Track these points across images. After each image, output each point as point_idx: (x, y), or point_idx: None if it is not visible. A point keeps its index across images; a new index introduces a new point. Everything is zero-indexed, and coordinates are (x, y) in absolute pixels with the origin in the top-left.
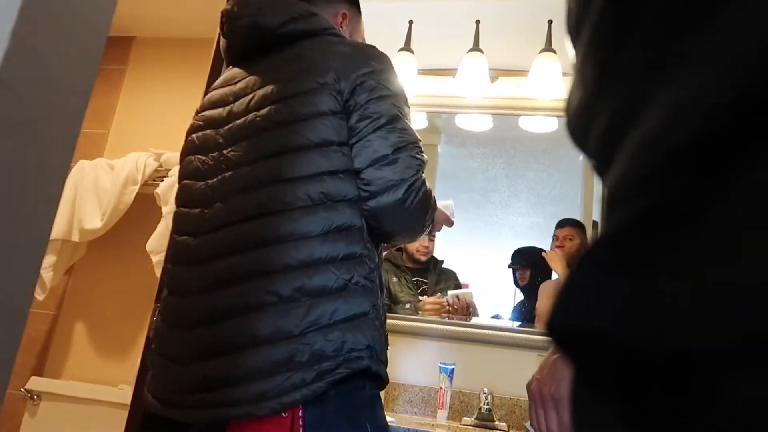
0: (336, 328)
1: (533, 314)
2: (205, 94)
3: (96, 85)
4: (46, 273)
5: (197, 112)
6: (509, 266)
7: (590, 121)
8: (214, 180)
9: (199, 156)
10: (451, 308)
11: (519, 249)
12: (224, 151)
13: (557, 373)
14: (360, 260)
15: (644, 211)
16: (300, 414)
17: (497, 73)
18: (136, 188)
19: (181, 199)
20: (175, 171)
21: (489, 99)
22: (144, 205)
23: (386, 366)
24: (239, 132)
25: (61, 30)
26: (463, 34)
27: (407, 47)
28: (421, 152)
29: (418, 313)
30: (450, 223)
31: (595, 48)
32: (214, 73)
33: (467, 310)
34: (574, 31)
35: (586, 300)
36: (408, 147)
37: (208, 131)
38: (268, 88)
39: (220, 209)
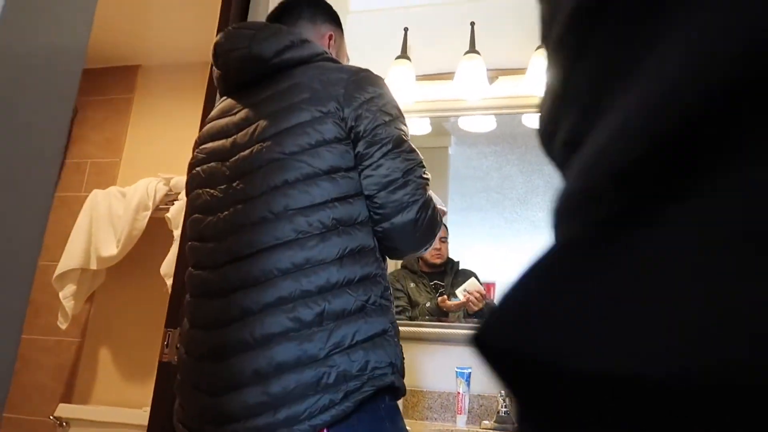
0: (359, 348)
1: None
2: (202, 120)
3: (106, 115)
4: (68, 302)
5: (197, 144)
6: None
7: (556, 129)
8: (226, 213)
9: (207, 189)
10: (470, 304)
11: None
12: (233, 184)
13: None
14: (375, 280)
15: (586, 227)
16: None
17: (496, 73)
18: (148, 213)
19: (193, 233)
20: (184, 194)
21: (489, 99)
22: (156, 230)
23: (404, 377)
24: (245, 164)
25: (34, 65)
26: (459, 38)
27: (404, 55)
28: (426, 170)
29: (437, 312)
30: (442, 212)
31: (559, 56)
32: (210, 96)
33: (483, 297)
34: (545, 39)
35: (509, 317)
36: (415, 168)
37: (213, 164)
38: (271, 119)
39: (235, 242)
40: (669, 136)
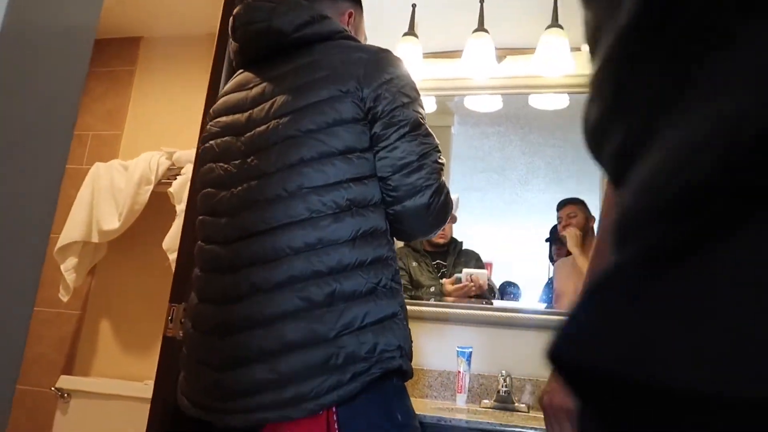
0: (368, 330)
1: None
2: (209, 93)
3: (108, 87)
4: (69, 275)
5: (211, 117)
6: (546, 240)
7: (604, 139)
8: (239, 188)
9: (221, 164)
10: (469, 288)
11: (556, 226)
12: (247, 159)
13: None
14: (386, 263)
15: (653, 247)
16: (333, 410)
17: (504, 52)
18: (151, 187)
19: (205, 207)
20: (187, 169)
21: (497, 79)
22: (158, 204)
23: (411, 360)
24: (261, 139)
25: (44, 45)
26: (468, 15)
27: (411, 32)
28: (441, 155)
29: (441, 297)
30: (453, 219)
31: (613, 65)
32: (217, 69)
33: (480, 290)
34: (592, 43)
35: (586, 334)
36: (431, 153)
37: (227, 138)
38: (289, 95)
39: (248, 218)
40: (743, 155)
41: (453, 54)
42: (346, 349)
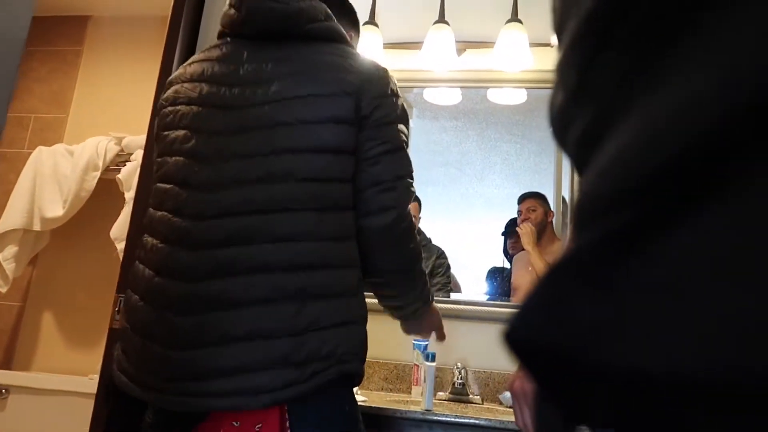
0: (332, 331)
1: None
2: (161, 78)
3: (53, 67)
4: (8, 264)
5: (183, 81)
6: (502, 234)
7: (569, 124)
8: (224, 165)
9: (200, 135)
10: None
11: (514, 218)
12: (235, 137)
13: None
14: (356, 269)
15: (612, 231)
16: (286, 423)
17: (464, 45)
18: (98, 174)
19: (173, 177)
20: (137, 155)
21: (456, 72)
22: (106, 191)
23: (364, 364)
24: (253, 120)
25: None
26: (429, 7)
27: (372, 21)
28: (413, 185)
29: None
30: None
31: (576, 52)
32: (169, 53)
33: None
34: (558, 29)
35: (542, 316)
36: (406, 178)
37: (210, 109)
38: (289, 81)
39: (228, 197)
40: (699, 142)
41: (413, 45)
42: (309, 345)
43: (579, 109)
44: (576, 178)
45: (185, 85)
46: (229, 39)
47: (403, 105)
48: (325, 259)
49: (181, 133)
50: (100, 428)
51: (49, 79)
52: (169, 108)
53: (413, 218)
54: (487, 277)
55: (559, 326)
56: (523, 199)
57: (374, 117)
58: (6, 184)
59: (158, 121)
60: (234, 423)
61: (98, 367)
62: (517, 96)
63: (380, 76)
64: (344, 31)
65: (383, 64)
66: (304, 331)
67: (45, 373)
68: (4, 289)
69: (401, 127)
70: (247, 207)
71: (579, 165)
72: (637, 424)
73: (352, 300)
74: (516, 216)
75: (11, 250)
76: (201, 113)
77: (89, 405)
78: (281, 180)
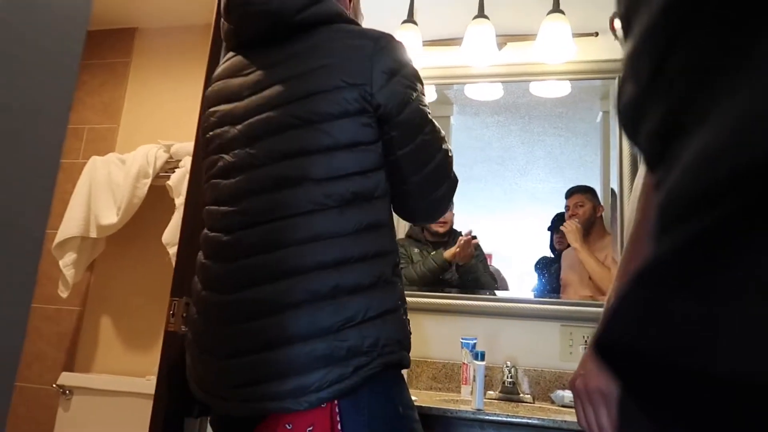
0: (370, 324)
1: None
2: (206, 84)
3: (103, 80)
4: (68, 270)
5: (208, 105)
6: (548, 229)
7: (641, 117)
8: (240, 177)
9: (222, 154)
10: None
11: (560, 213)
12: (247, 149)
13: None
14: (388, 256)
15: (702, 232)
16: (335, 402)
17: (504, 39)
18: (149, 181)
19: (210, 198)
20: (185, 162)
21: (497, 66)
22: (157, 198)
23: (409, 352)
24: (261, 128)
25: (36, 35)
26: (467, 2)
27: (411, 19)
28: (447, 144)
29: (446, 276)
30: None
31: (650, 44)
32: (213, 60)
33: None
34: (625, 20)
35: (637, 321)
36: (441, 148)
37: (226, 128)
38: (289, 83)
39: (249, 208)
40: None
41: (453, 41)
42: (349, 342)
43: (653, 102)
44: (625, 171)
45: (209, 111)
46: (233, 52)
47: (412, 69)
48: (354, 254)
49: (211, 159)
50: (158, 427)
51: (100, 90)
52: (204, 138)
53: (456, 178)
54: (536, 268)
55: (655, 330)
56: (570, 194)
57: (391, 104)
58: (63, 193)
59: (203, 151)
60: (287, 425)
61: (155, 368)
62: (561, 88)
63: (381, 51)
64: (338, 6)
65: (395, 35)
66: (343, 328)
67: (104, 374)
68: (64, 294)
69: (419, 98)
70: (268, 215)
71: (652, 158)
72: None
73: (387, 289)
74: (563, 211)
75: (70, 256)
76: (221, 134)
77: (146, 404)
78: (297, 183)
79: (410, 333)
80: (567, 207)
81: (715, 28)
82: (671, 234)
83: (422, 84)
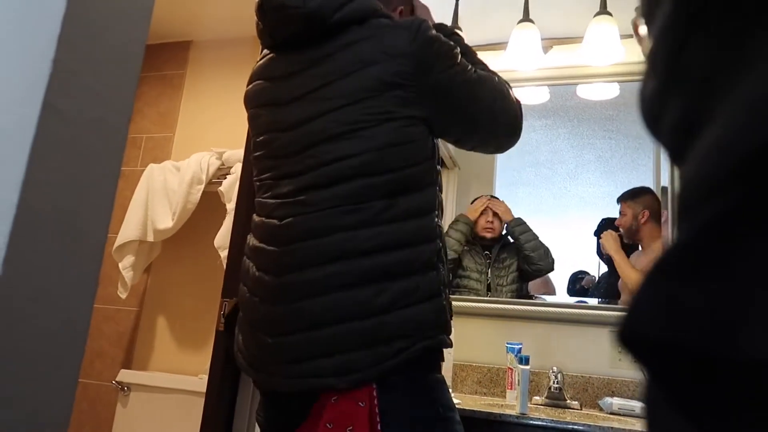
0: (413, 307)
1: (616, 286)
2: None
3: (160, 91)
4: (127, 272)
5: (251, 105)
6: (594, 234)
7: (661, 112)
8: (291, 188)
9: (274, 161)
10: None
11: (607, 218)
12: (296, 156)
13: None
14: (433, 242)
15: (715, 219)
16: (375, 401)
17: (550, 42)
18: (202, 187)
19: (262, 189)
20: (236, 168)
21: (544, 70)
22: (209, 203)
23: (450, 334)
24: (308, 137)
25: (99, 50)
26: (512, 6)
27: (455, 25)
28: (494, 74)
29: (488, 289)
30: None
31: (666, 38)
32: None
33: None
34: (647, 16)
35: (657, 310)
36: (490, 87)
37: (274, 134)
38: (330, 88)
39: (304, 202)
40: None
41: (498, 46)
42: (392, 324)
43: (672, 97)
44: (676, 171)
45: (252, 111)
46: (268, 52)
47: (445, 42)
48: (399, 240)
49: (265, 163)
50: (210, 426)
51: (157, 101)
52: (252, 140)
53: (516, 100)
54: (570, 281)
55: (672, 319)
56: (618, 200)
57: (439, 92)
58: (123, 199)
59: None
60: (333, 399)
61: (206, 367)
62: (609, 90)
63: (419, 47)
64: (373, 2)
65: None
66: (387, 311)
67: (160, 372)
68: (123, 295)
69: (462, 70)
70: (321, 206)
71: (675, 155)
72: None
73: (431, 274)
74: (608, 216)
75: (129, 259)
76: (273, 141)
77: (198, 402)
78: (348, 178)
79: (452, 317)
80: (620, 212)
81: (727, 19)
82: (687, 222)
83: (459, 48)
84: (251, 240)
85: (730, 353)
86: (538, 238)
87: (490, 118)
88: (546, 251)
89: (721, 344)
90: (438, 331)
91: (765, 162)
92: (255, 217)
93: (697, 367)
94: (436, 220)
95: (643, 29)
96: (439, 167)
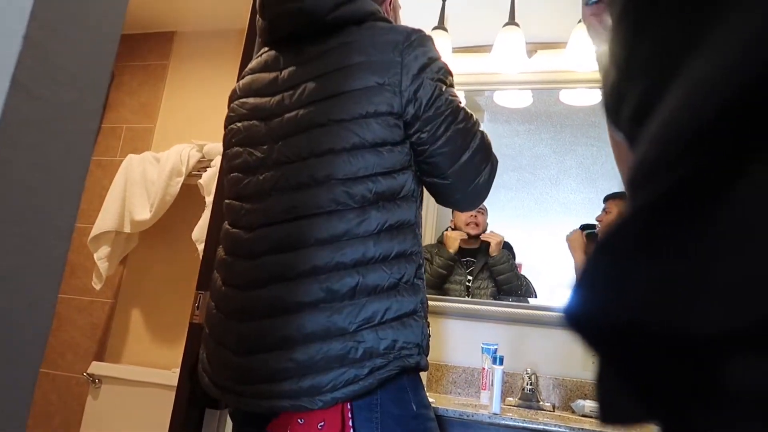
0: (388, 326)
1: None
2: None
3: (142, 81)
4: (102, 263)
5: (236, 97)
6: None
7: (621, 102)
8: (266, 174)
9: (248, 148)
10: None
11: (585, 225)
12: (275, 146)
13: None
14: (410, 258)
15: (659, 196)
16: (349, 415)
17: (534, 46)
18: (181, 179)
19: (232, 192)
20: (217, 161)
21: (527, 74)
22: (189, 195)
23: (428, 355)
24: (290, 126)
25: (73, 29)
26: (498, 9)
27: (441, 26)
28: (481, 130)
29: (468, 294)
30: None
31: (622, 29)
32: (246, 64)
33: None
34: (611, 13)
35: (605, 288)
36: (476, 134)
37: (255, 122)
38: (320, 81)
39: (273, 205)
40: (742, 97)
41: (483, 48)
42: (365, 343)
43: (630, 84)
44: None
45: (237, 102)
46: (267, 48)
47: (441, 64)
48: (374, 254)
49: (234, 150)
50: (179, 419)
51: (138, 91)
52: (228, 128)
53: (496, 159)
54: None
55: (619, 296)
56: (605, 199)
57: (421, 101)
58: (101, 189)
59: (223, 141)
60: (299, 420)
61: (179, 361)
62: (592, 97)
63: (413, 50)
64: (372, 5)
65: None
66: (359, 329)
67: (133, 365)
68: (98, 287)
69: (448, 90)
70: (289, 214)
71: (632, 141)
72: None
73: (408, 291)
74: (587, 222)
75: (105, 250)
76: (248, 127)
77: (171, 396)
78: (322, 183)
79: (429, 336)
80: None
81: (678, 5)
82: (633, 199)
83: (452, 76)
84: (220, 251)
85: (686, 329)
86: (514, 270)
87: (473, 146)
88: (518, 285)
89: (677, 320)
90: (415, 350)
91: (713, 135)
92: (224, 225)
93: (652, 346)
94: (416, 234)
95: (608, 20)
96: (420, 188)
